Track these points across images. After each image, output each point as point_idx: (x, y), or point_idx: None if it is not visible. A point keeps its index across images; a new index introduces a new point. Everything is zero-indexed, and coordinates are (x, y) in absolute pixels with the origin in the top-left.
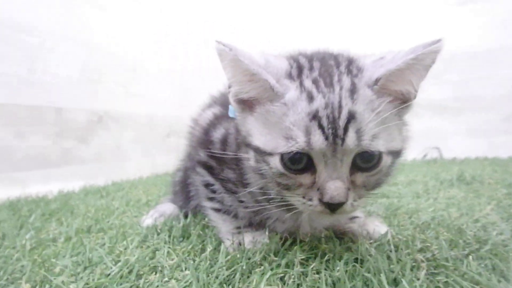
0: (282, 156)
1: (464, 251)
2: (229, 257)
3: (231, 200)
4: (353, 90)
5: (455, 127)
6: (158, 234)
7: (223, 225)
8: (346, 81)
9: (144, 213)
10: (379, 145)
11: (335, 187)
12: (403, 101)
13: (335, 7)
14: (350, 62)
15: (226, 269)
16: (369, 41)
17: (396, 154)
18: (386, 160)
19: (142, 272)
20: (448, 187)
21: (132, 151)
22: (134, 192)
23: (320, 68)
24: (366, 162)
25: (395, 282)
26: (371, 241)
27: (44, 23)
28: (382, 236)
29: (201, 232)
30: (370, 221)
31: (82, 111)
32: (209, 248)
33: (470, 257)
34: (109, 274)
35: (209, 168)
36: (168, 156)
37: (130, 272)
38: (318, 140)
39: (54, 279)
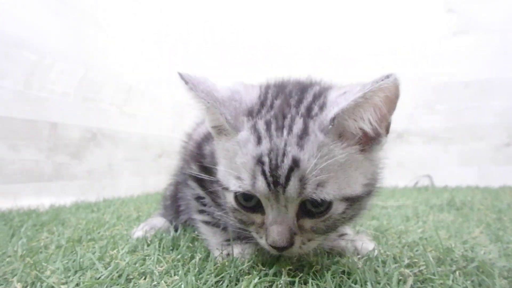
0: (235, 193)
1: (451, 267)
2: (217, 264)
3: (221, 214)
4: (302, 135)
5: (446, 156)
6: (148, 245)
7: (212, 238)
8: (298, 124)
9: (134, 227)
10: (326, 193)
11: (277, 232)
12: (370, 139)
13: (334, 8)
14: (316, 97)
15: (215, 276)
16: (364, 63)
17: (352, 199)
18: (338, 207)
19: (131, 277)
20: (438, 211)
21: (124, 169)
22: (124, 208)
23: (279, 106)
24: (315, 208)
25: None
26: (359, 256)
27: (44, 41)
28: (370, 252)
29: (190, 244)
30: (359, 238)
31: (76, 127)
32: (198, 257)
33: (457, 273)
34: (99, 278)
35: (200, 181)
36: (159, 176)
37: (120, 276)
38: (260, 186)
39: (46, 278)
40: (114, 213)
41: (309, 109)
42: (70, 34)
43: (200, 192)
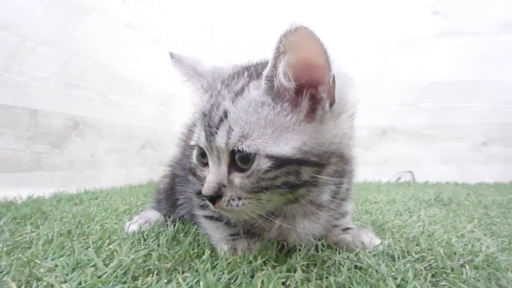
0: (196, 149)
1: (459, 261)
2: (229, 260)
3: None
4: (238, 92)
5: (428, 154)
6: (145, 239)
7: (216, 232)
8: (240, 83)
9: (126, 220)
10: (246, 145)
11: (208, 181)
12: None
13: (333, 9)
14: (263, 66)
15: (228, 273)
16: (351, 63)
17: (279, 159)
18: (262, 163)
19: (137, 274)
20: (428, 207)
21: (106, 160)
22: (110, 200)
23: (237, 73)
24: (242, 163)
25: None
26: (368, 250)
27: (26, 22)
28: (377, 247)
29: (191, 239)
30: (364, 233)
31: (58, 115)
32: (206, 253)
33: (466, 266)
34: (100, 276)
35: None
36: (142, 168)
37: (125, 273)
38: (201, 137)
39: (45, 277)
40: (99, 206)
41: (258, 74)
42: (54, 17)
43: (201, 187)
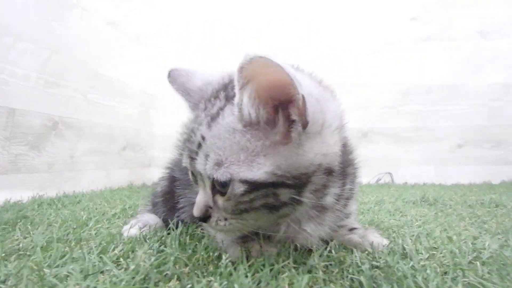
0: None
1: (467, 258)
2: (249, 263)
3: None
4: (214, 117)
5: (407, 155)
6: (146, 243)
7: (227, 236)
8: (216, 107)
9: (120, 224)
10: (221, 173)
11: (196, 203)
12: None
13: (314, 13)
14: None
15: (251, 276)
16: (332, 69)
17: (253, 184)
18: (236, 188)
19: (157, 280)
20: (416, 207)
21: (87, 162)
22: (95, 204)
23: (216, 92)
24: (220, 187)
25: (419, 286)
26: (379, 250)
27: (5, 18)
28: (385, 246)
29: (197, 243)
30: (370, 233)
31: (37, 114)
32: (225, 256)
33: (477, 263)
34: (116, 283)
35: None
36: (123, 170)
37: (144, 279)
38: (185, 161)
39: (60, 283)
40: (85, 210)
41: (234, 93)
42: (35, 12)
43: None
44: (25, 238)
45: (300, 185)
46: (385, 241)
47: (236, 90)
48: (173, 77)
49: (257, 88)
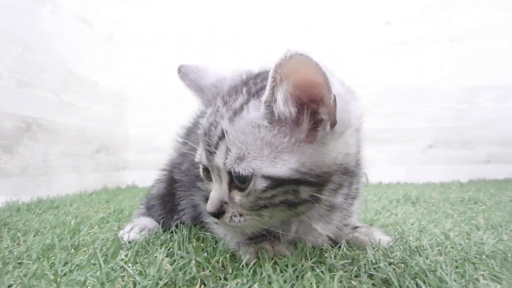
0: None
1: (473, 252)
2: (271, 263)
3: None
4: (236, 111)
5: (381, 156)
6: (149, 247)
7: (233, 237)
8: (238, 101)
9: (114, 228)
10: (242, 168)
11: (211, 198)
12: (317, 125)
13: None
14: (263, 79)
15: (276, 275)
16: None
17: (275, 180)
18: (258, 183)
19: (181, 284)
20: (400, 205)
21: (59, 165)
22: (77, 209)
23: (236, 87)
24: (240, 182)
25: (442, 280)
26: (388, 247)
27: None
28: (389, 243)
29: (202, 244)
30: (374, 231)
31: (9, 116)
32: (245, 258)
33: (483, 256)
34: None
35: None
36: (96, 174)
37: (166, 284)
38: (202, 155)
39: None
40: (69, 215)
41: (258, 91)
42: (4, 6)
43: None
44: (17, 245)
45: (321, 183)
46: (389, 239)
47: (269, 86)
48: (184, 73)
49: (294, 85)
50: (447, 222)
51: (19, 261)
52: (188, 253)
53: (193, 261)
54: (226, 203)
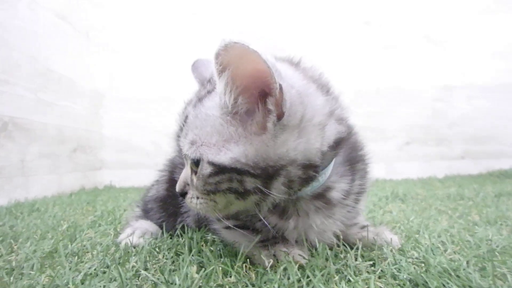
0: None
1: (482, 249)
2: (296, 266)
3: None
4: (200, 98)
5: None
6: (158, 252)
7: (245, 241)
8: (204, 90)
9: (110, 232)
10: (192, 151)
11: (179, 178)
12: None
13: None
14: None
15: (303, 278)
16: None
17: (218, 166)
18: (204, 168)
19: None
20: (391, 202)
21: (37, 166)
22: (64, 212)
23: (210, 78)
24: (195, 165)
25: (468, 279)
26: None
27: None
28: (397, 243)
29: (211, 248)
30: (383, 230)
31: None
32: (268, 262)
33: (496, 252)
34: None
35: None
36: (74, 174)
37: None
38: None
39: None
40: (55, 218)
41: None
42: None
43: None
44: (12, 253)
45: (266, 177)
46: (397, 237)
47: (215, 77)
48: (195, 66)
49: (233, 76)
50: (442, 218)
51: (23, 271)
52: (209, 259)
53: (220, 268)
54: (188, 184)
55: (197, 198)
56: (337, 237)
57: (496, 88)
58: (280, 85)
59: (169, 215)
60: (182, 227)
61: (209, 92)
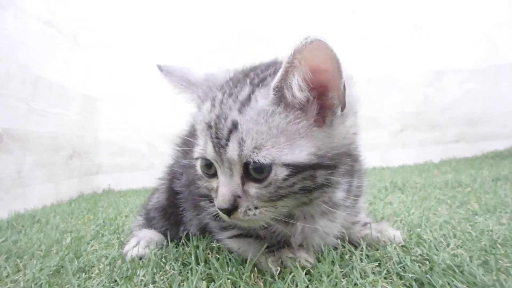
0: (200, 160)
1: (485, 240)
2: (304, 272)
3: None
4: (244, 102)
5: None
6: (171, 263)
7: (251, 248)
8: (244, 92)
9: (115, 243)
10: (262, 156)
11: (221, 193)
12: (327, 110)
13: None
14: (274, 71)
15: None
16: None
17: (295, 167)
18: (278, 172)
19: None
20: (390, 193)
21: (34, 176)
22: (66, 223)
23: (237, 79)
24: (257, 173)
25: (472, 275)
26: (399, 244)
27: None
28: (401, 239)
29: (218, 256)
30: (385, 227)
31: None
32: (275, 270)
33: (498, 244)
34: None
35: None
36: (71, 180)
37: None
38: (209, 149)
39: None
40: (57, 230)
41: (261, 80)
42: None
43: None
44: (18, 272)
45: (334, 166)
46: (399, 233)
47: (283, 71)
48: (167, 71)
49: (310, 70)
50: (442, 208)
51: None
52: (216, 270)
53: (228, 281)
54: (239, 197)
55: (256, 208)
56: (342, 237)
57: (485, 70)
58: (344, 80)
59: (172, 224)
60: (187, 235)
61: (252, 93)
